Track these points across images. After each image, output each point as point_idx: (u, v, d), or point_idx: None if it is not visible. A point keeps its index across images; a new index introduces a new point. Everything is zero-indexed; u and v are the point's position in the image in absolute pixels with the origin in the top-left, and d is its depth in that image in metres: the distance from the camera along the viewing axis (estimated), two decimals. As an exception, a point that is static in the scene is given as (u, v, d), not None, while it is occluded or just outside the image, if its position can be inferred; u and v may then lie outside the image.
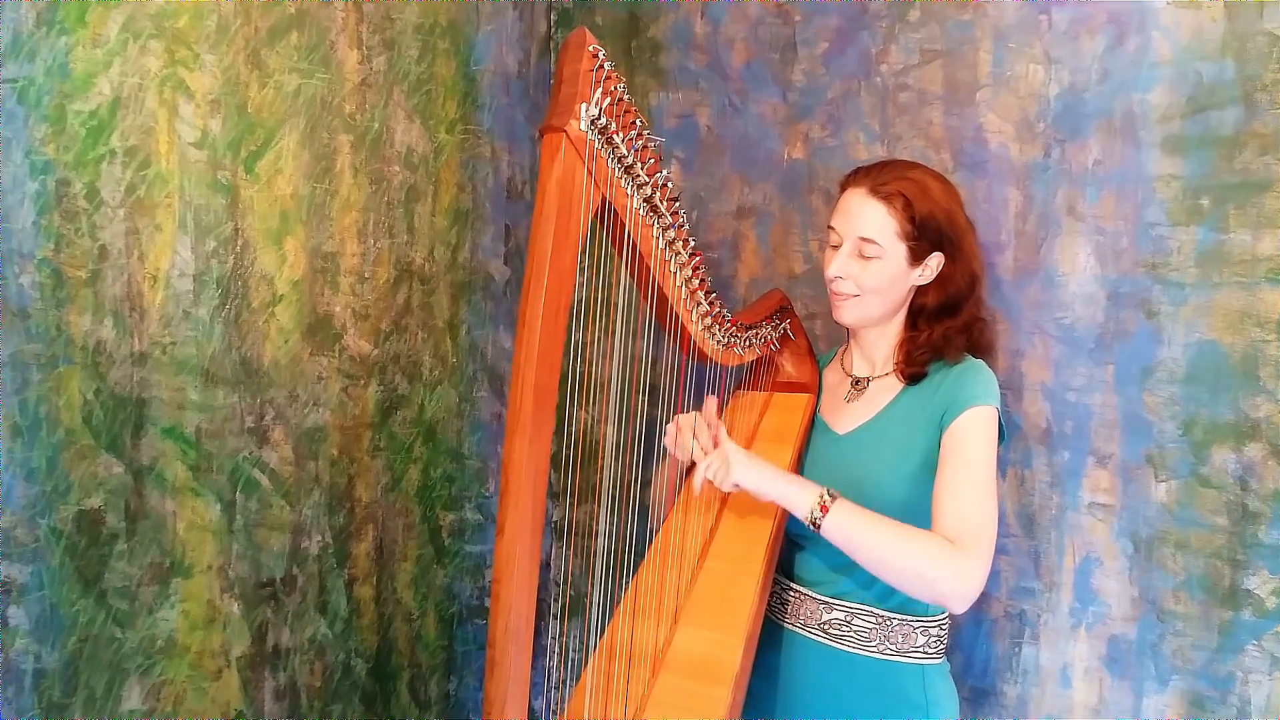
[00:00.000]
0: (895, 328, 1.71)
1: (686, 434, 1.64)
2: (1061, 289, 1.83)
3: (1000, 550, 1.89)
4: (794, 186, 2.16)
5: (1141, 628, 1.77)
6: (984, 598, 1.91)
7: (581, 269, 1.26)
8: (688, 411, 1.67)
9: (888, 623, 1.61)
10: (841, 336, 1.87)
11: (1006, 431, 1.63)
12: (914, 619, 1.62)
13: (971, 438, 1.55)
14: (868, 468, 1.63)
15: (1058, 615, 1.85)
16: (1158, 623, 1.75)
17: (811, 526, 1.49)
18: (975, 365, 1.63)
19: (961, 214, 1.66)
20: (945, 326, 1.66)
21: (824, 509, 1.48)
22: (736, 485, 1.53)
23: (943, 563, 1.46)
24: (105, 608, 1.70)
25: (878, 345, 1.72)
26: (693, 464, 1.74)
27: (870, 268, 1.63)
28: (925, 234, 1.61)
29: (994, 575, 1.90)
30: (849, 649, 1.62)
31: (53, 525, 1.63)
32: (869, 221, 1.61)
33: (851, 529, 1.49)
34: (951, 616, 1.82)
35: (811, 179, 2.13)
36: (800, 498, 1.50)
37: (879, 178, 1.62)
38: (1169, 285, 1.73)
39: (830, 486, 1.53)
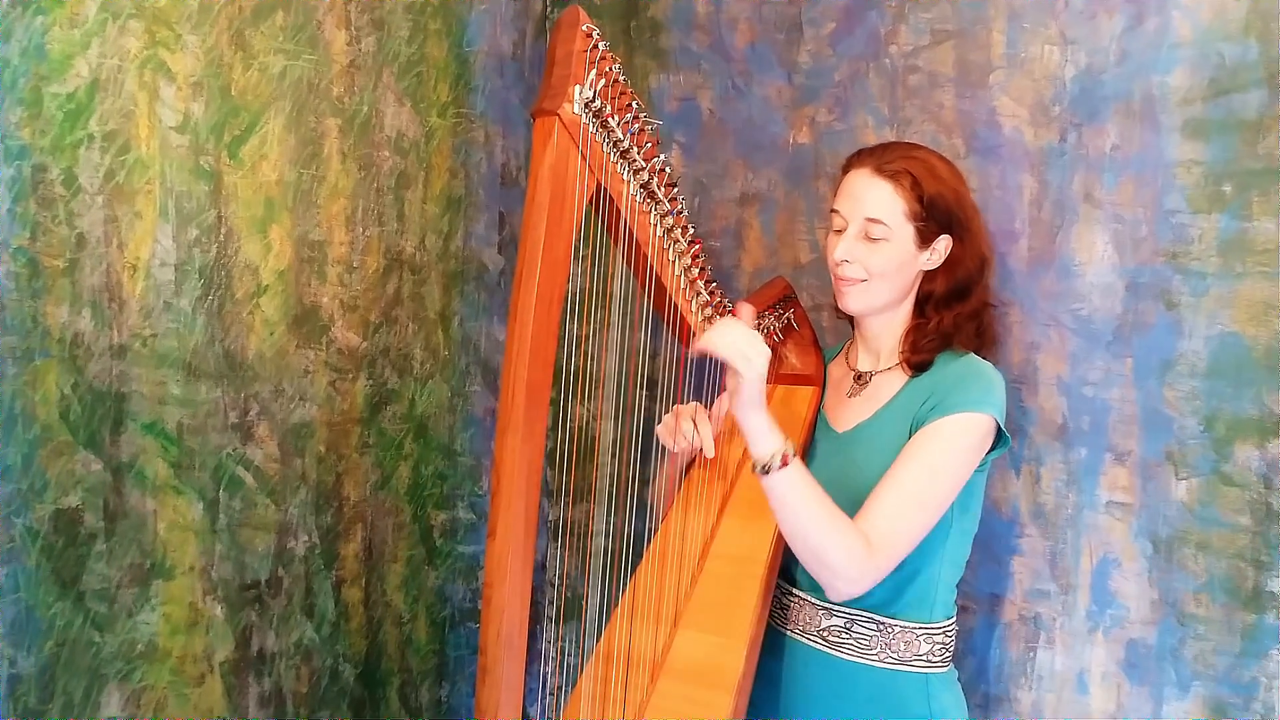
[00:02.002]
0: (902, 317, 1.71)
1: (686, 420, 1.63)
2: (1078, 279, 1.83)
3: (1014, 551, 1.90)
4: (800, 172, 2.16)
5: (1161, 631, 1.77)
6: (997, 600, 1.92)
7: (576, 258, 1.27)
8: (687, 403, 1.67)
9: (889, 630, 1.61)
10: (848, 330, 1.87)
11: (1009, 438, 1.62)
12: (917, 626, 1.62)
13: (940, 443, 1.55)
14: (862, 466, 1.63)
15: (1074, 618, 1.85)
16: (1178, 626, 1.75)
17: (760, 471, 1.46)
18: (979, 369, 1.62)
19: (969, 195, 1.67)
20: (955, 313, 1.66)
21: (784, 461, 1.45)
22: (738, 370, 1.43)
23: (852, 561, 1.49)
24: (83, 610, 1.71)
25: (883, 336, 1.72)
26: (691, 461, 1.75)
27: (878, 250, 1.63)
28: (934, 214, 1.61)
29: (1007, 577, 1.91)
30: (848, 657, 1.62)
31: (28, 525, 1.63)
32: (876, 201, 1.62)
33: (795, 492, 1.47)
34: (962, 621, 1.82)
35: (818, 164, 2.13)
36: (768, 437, 1.46)
37: (884, 157, 1.63)
38: (1190, 275, 1.73)
39: (829, 481, 1.53)
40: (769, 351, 1.46)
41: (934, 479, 1.54)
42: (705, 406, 1.69)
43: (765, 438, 1.46)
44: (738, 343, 1.44)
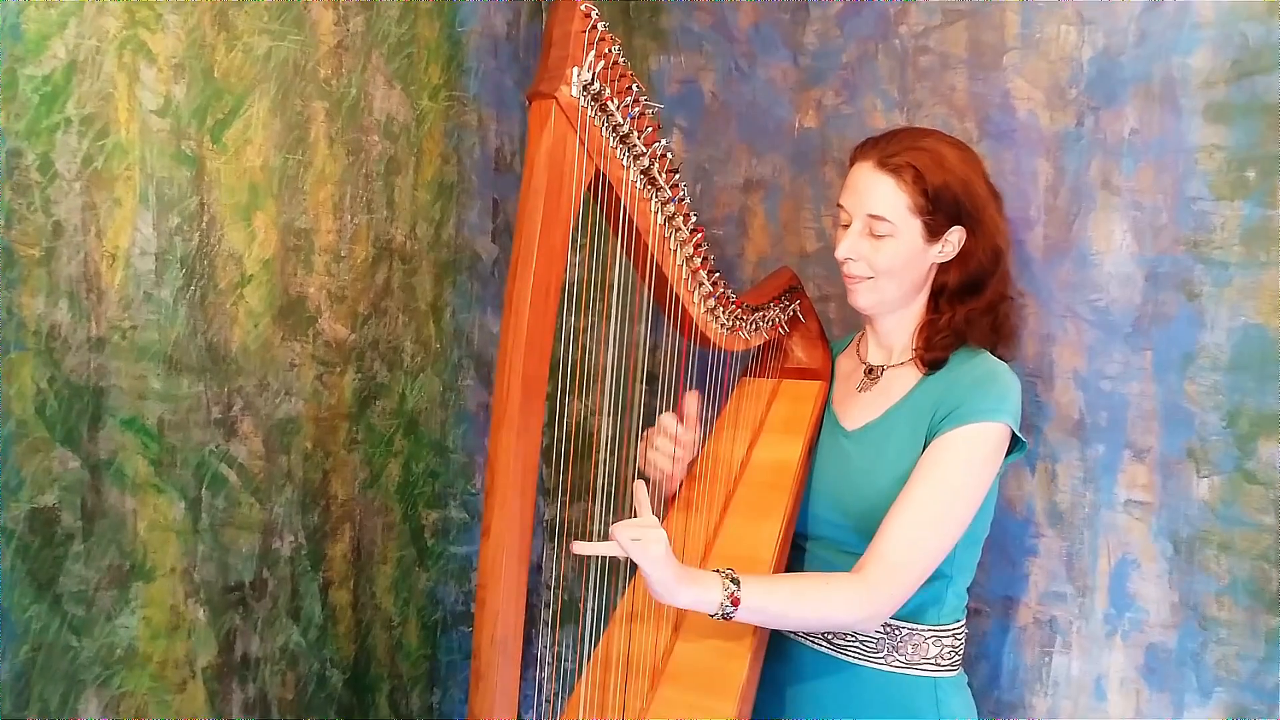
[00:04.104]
0: (915, 312, 1.70)
1: (653, 448, 1.63)
2: (1095, 269, 1.83)
3: (1029, 552, 1.90)
4: (806, 158, 2.16)
5: (1182, 635, 1.77)
6: (1011, 603, 1.92)
7: (574, 247, 1.27)
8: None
9: (896, 632, 1.61)
10: (857, 321, 1.87)
11: (1025, 442, 1.61)
12: (925, 628, 1.62)
13: (954, 459, 1.55)
14: (870, 469, 1.63)
15: (1091, 622, 1.85)
16: (1199, 630, 1.76)
17: (722, 619, 1.43)
18: (993, 372, 1.61)
19: (982, 183, 1.66)
20: (968, 308, 1.66)
21: (734, 601, 1.42)
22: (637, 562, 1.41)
23: (857, 610, 1.51)
24: (60, 614, 1.71)
25: (895, 332, 1.72)
26: (692, 461, 1.75)
27: (883, 247, 1.63)
28: (940, 207, 1.61)
29: (1022, 579, 1.91)
30: (855, 660, 1.62)
31: (3, 525, 1.63)
32: (878, 197, 1.61)
33: (765, 608, 1.46)
34: (976, 624, 1.82)
35: (825, 149, 2.13)
36: (706, 596, 1.41)
37: (887, 149, 1.62)
38: (1212, 265, 1.73)
39: (836, 483, 1.53)
40: (666, 543, 1.38)
41: (951, 498, 1.54)
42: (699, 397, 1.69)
43: (704, 600, 1.42)
44: (634, 539, 1.37)
